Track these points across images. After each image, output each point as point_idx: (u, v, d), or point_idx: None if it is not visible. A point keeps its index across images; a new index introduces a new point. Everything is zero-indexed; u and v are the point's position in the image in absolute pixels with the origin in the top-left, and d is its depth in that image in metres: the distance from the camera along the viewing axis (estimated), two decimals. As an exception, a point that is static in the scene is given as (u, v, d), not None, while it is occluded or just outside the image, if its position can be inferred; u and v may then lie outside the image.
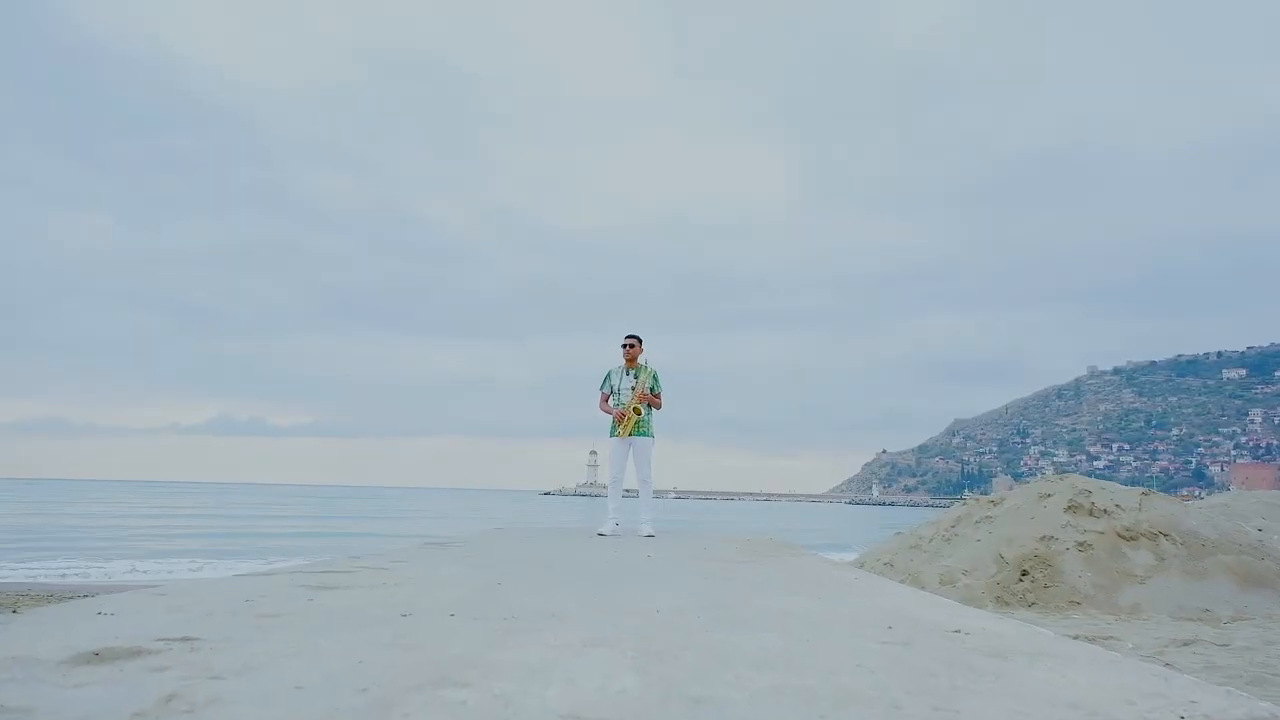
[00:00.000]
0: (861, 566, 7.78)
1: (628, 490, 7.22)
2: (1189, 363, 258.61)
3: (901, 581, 7.03)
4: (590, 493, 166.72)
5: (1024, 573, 6.87)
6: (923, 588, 6.44)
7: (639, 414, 6.87)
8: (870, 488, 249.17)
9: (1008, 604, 6.64)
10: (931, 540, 7.91)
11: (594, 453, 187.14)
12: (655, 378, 6.94)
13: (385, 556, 4.80)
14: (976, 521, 7.77)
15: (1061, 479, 7.86)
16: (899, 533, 9.09)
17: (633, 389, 6.85)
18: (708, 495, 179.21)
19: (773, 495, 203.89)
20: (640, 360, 6.92)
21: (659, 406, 7.01)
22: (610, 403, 7.00)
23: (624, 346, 6.90)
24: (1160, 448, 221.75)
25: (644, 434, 6.91)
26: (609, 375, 7.03)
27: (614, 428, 6.95)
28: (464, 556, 4.79)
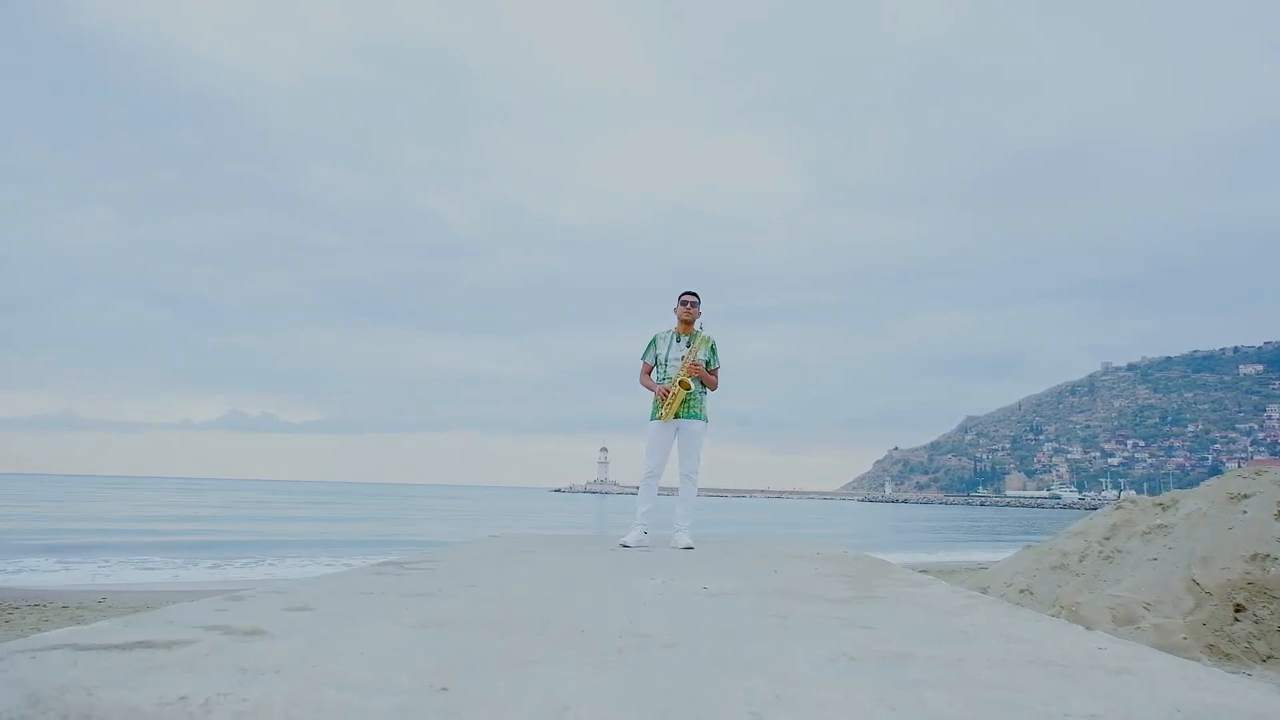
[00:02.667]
0: (985, 590, 5.72)
1: (663, 488, 5.39)
2: (1205, 358, 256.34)
3: (1055, 615, 4.96)
4: (600, 490, 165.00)
5: (1238, 608, 4.79)
6: (1089, 627, 4.38)
7: (688, 389, 5.14)
8: (882, 485, 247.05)
9: (1227, 655, 4.56)
10: (1082, 558, 5.79)
11: (604, 449, 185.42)
12: (713, 349, 5.31)
13: (287, 596, 2.73)
14: (1144, 532, 5.64)
15: (1258, 474, 5.75)
16: (1029, 545, 6.95)
17: (682, 359, 5.19)
18: (719, 493, 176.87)
19: (783, 492, 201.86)
20: (696, 325, 5.30)
21: (714, 386, 5.34)
22: (654, 376, 5.32)
23: (682, 303, 5.24)
24: (1176, 444, 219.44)
25: (695, 416, 5.20)
26: (654, 341, 5.40)
27: (656, 408, 5.23)
28: (419, 597, 2.72)
